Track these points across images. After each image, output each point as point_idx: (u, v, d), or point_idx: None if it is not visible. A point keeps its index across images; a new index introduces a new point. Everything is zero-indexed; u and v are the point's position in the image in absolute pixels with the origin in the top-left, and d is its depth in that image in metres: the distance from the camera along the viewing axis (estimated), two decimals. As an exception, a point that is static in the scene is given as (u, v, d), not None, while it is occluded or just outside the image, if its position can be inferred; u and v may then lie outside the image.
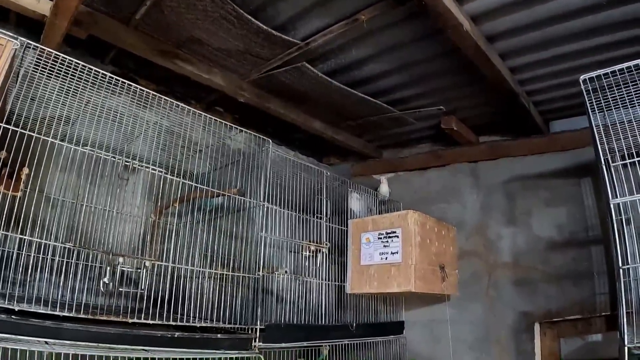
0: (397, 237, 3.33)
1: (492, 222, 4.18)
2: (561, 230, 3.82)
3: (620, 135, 2.41)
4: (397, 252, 3.30)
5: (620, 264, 2.25)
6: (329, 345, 3.50)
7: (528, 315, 3.79)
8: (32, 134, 2.32)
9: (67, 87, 2.44)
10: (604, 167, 2.37)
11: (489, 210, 4.22)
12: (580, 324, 3.59)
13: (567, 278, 3.69)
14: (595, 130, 2.43)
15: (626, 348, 2.13)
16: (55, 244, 2.42)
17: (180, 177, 2.87)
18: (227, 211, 3.33)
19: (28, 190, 2.54)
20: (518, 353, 3.78)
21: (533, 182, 4.04)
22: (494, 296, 4.01)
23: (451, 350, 3.78)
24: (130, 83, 2.57)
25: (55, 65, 2.33)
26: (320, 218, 3.56)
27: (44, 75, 2.36)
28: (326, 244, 3.51)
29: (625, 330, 2.15)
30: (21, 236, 2.31)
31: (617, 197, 2.31)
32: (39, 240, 2.34)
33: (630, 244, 2.34)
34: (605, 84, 2.43)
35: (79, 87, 2.46)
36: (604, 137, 2.41)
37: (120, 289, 2.52)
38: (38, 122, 2.41)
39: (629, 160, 2.38)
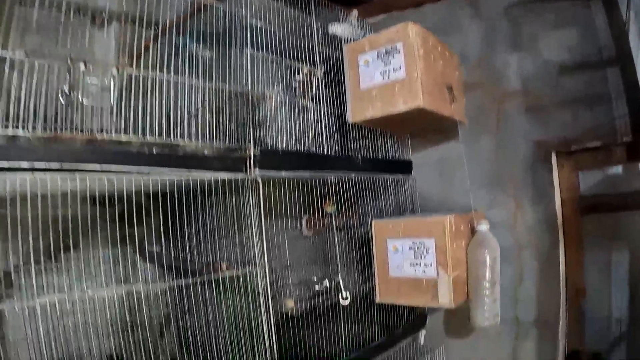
0: (398, 52, 2.92)
1: (496, 50, 3.81)
2: (572, 52, 3.46)
3: None
4: (400, 68, 2.90)
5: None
6: (333, 202, 3.21)
7: (542, 144, 3.52)
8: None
9: None
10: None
11: (493, 38, 3.83)
12: (599, 154, 3.34)
13: (581, 102, 3.38)
14: None
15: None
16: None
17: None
18: (210, 37, 2.89)
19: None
20: (535, 187, 3.55)
21: (538, 4, 3.64)
22: (504, 128, 3.72)
23: (469, 186, 3.50)
24: None
25: None
26: (311, 39, 3.16)
27: None
28: (321, 68, 3.13)
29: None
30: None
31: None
32: None
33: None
34: None
35: None
36: None
37: (84, 101, 2.08)
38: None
39: None
